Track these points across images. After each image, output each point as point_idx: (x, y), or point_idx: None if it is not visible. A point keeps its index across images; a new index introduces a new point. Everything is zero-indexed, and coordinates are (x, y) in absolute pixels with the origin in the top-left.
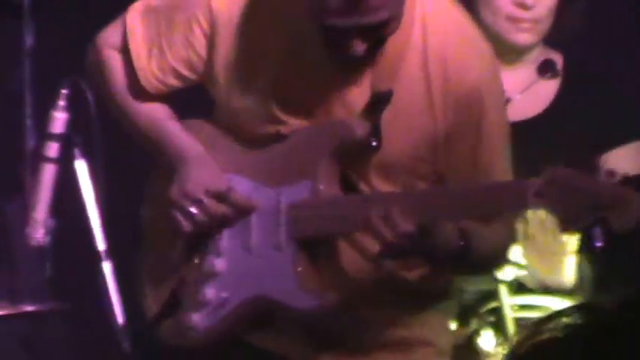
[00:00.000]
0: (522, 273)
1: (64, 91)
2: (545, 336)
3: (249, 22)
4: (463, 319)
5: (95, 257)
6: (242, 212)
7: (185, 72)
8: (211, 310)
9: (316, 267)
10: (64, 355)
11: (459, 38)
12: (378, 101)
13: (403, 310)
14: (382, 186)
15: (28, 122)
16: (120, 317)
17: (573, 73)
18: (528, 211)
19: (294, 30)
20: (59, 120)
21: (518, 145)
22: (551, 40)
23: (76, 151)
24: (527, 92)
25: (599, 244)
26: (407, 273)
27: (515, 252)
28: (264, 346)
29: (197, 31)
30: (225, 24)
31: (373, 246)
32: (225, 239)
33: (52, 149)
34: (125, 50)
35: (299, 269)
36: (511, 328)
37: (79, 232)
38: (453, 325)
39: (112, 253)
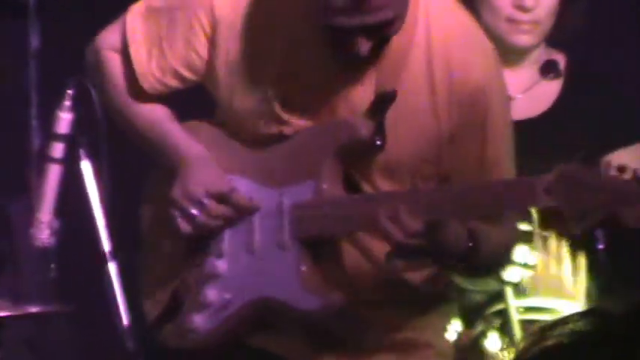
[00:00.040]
0: (528, 274)
1: (69, 92)
2: (552, 342)
3: (252, 22)
4: (469, 320)
5: (100, 258)
6: (244, 213)
7: (185, 73)
8: (213, 311)
9: (320, 267)
10: (68, 356)
11: (462, 38)
12: (383, 101)
13: (403, 312)
14: (386, 186)
15: (34, 122)
16: (125, 318)
17: (576, 73)
18: (538, 207)
19: (297, 30)
20: (64, 120)
21: (519, 144)
22: (553, 40)
23: (82, 152)
24: (529, 92)
25: (601, 247)
26: (408, 275)
27: (521, 253)
28: (265, 347)
29: (198, 32)
30: (227, 24)
31: (376, 247)
32: (227, 240)
33: (58, 150)
34: (125, 51)
35: (303, 269)
36: (517, 330)
37: (83, 233)
38: (459, 327)
39: (117, 253)
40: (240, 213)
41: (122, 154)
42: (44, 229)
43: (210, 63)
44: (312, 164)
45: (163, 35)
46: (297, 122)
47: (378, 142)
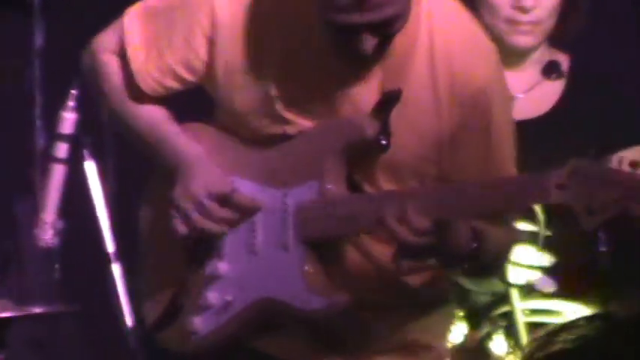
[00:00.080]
0: (535, 276)
1: (73, 92)
2: (558, 347)
3: (253, 22)
4: (475, 322)
5: (104, 259)
6: (246, 214)
7: (184, 74)
8: (214, 313)
9: (324, 268)
10: (72, 356)
11: (464, 38)
12: (388, 100)
13: (404, 314)
14: (388, 186)
15: (38, 122)
16: (129, 319)
17: (579, 74)
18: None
19: (299, 30)
20: (69, 120)
21: (521, 144)
22: (556, 40)
23: (86, 152)
24: (532, 92)
25: (604, 250)
26: (408, 278)
27: (528, 254)
28: (265, 350)
29: (198, 33)
30: (227, 25)
31: (377, 249)
32: (228, 242)
33: (62, 150)
34: (122, 53)
35: (307, 270)
36: (522, 332)
37: (88, 234)
38: (465, 329)
39: (121, 254)
40: (242, 214)
41: (127, 154)
42: (48, 230)
43: (210, 64)
44: (316, 164)
45: (162, 36)
46: (301, 122)
47: (384, 142)
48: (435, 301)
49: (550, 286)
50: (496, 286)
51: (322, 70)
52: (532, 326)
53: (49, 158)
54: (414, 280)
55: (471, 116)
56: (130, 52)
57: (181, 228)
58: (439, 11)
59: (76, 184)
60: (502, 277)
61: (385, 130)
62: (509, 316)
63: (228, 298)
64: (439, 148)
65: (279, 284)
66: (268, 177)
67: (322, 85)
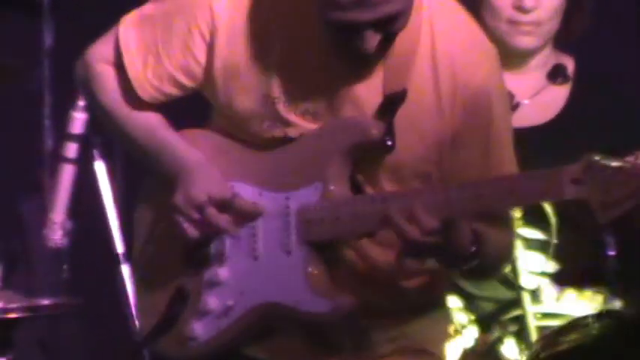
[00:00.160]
0: (545, 281)
1: None
2: (564, 347)
3: (252, 24)
4: (485, 326)
5: (113, 259)
6: (247, 218)
7: (183, 79)
8: (214, 318)
9: (327, 270)
10: (80, 357)
11: (465, 39)
12: (393, 100)
13: (401, 319)
14: (390, 187)
15: (47, 122)
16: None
17: (584, 77)
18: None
19: (298, 30)
20: (78, 120)
21: (527, 151)
22: (561, 43)
23: (95, 152)
24: (537, 98)
25: (612, 253)
26: (405, 282)
27: (538, 262)
28: (262, 356)
29: (197, 37)
30: (226, 28)
31: (376, 253)
32: (228, 246)
33: (71, 150)
34: (119, 62)
35: (312, 272)
36: (534, 336)
37: (96, 234)
38: (475, 333)
39: (131, 255)
40: (243, 218)
41: None
42: (57, 230)
43: (209, 68)
44: (319, 166)
45: (159, 41)
46: (302, 124)
47: (389, 143)
48: (432, 306)
49: (557, 292)
50: (499, 292)
51: (324, 71)
52: (543, 330)
53: (58, 158)
54: (412, 284)
55: (472, 116)
56: (127, 60)
57: (191, 231)
58: (439, 12)
59: (85, 184)
60: (508, 282)
61: (390, 131)
62: (520, 320)
63: (229, 302)
64: (440, 148)
65: (282, 288)
66: (269, 180)
67: (324, 86)
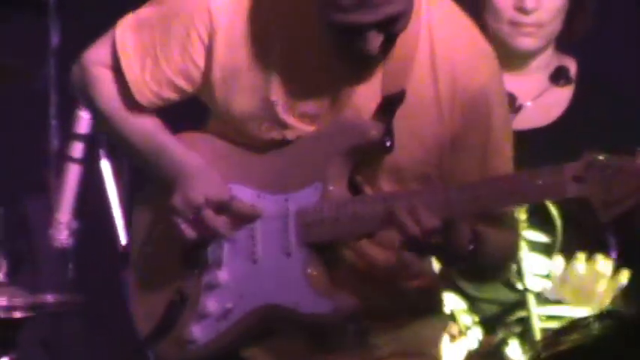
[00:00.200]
0: (549, 284)
1: None
2: (565, 347)
3: (251, 26)
4: (489, 327)
5: (118, 259)
6: (246, 221)
7: (183, 84)
8: (213, 321)
9: (327, 271)
10: (84, 357)
11: (465, 41)
12: (392, 101)
13: (400, 321)
14: (389, 188)
15: (53, 122)
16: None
17: (587, 79)
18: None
19: (297, 32)
20: (84, 120)
21: (530, 153)
22: (563, 43)
23: (101, 152)
24: (540, 99)
25: (614, 256)
26: (403, 284)
27: (542, 265)
28: (261, 358)
29: (195, 40)
30: (225, 31)
31: (375, 253)
32: (227, 249)
33: (77, 149)
34: (116, 66)
35: (312, 273)
36: (538, 338)
37: (102, 234)
38: (480, 334)
39: None
40: (241, 221)
41: None
42: (63, 230)
43: (207, 71)
44: (318, 167)
45: (157, 45)
46: (301, 126)
47: (388, 143)
48: (430, 309)
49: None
50: (501, 293)
51: (323, 72)
52: (547, 332)
53: (64, 158)
54: (408, 286)
55: (472, 118)
56: (124, 64)
57: (189, 232)
58: (438, 14)
59: (91, 183)
60: (511, 284)
61: (389, 131)
62: (525, 322)
63: (228, 305)
64: (440, 151)
65: (282, 289)
66: (268, 182)
67: (323, 88)
